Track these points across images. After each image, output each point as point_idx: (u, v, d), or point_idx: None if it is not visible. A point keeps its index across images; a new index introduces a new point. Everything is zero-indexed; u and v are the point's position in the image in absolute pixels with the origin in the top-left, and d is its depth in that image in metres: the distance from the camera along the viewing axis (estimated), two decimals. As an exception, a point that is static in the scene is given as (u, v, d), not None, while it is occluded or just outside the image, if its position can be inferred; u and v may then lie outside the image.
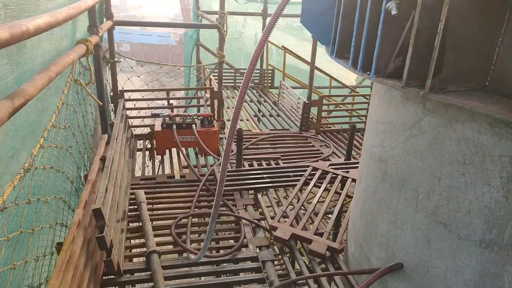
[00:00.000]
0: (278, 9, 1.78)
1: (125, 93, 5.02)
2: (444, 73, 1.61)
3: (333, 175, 4.19)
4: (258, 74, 9.06)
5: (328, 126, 6.75)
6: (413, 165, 2.18)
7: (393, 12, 1.70)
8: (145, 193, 3.71)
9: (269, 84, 8.88)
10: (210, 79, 6.38)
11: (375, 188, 2.57)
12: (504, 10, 1.61)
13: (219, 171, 4.12)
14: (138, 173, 4.75)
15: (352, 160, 4.67)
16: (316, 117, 6.22)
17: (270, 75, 8.89)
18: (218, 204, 2.09)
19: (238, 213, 3.49)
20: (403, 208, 2.25)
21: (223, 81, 8.40)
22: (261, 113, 7.28)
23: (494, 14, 1.60)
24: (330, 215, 3.88)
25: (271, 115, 7.09)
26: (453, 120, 1.84)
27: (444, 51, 1.57)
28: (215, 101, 5.56)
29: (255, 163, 4.65)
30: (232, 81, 8.73)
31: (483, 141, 1.76)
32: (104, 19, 4.71)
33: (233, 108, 7.18)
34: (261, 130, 6.18)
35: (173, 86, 7.18)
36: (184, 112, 5.37)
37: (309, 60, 6.02)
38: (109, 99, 4.95)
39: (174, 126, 4.63)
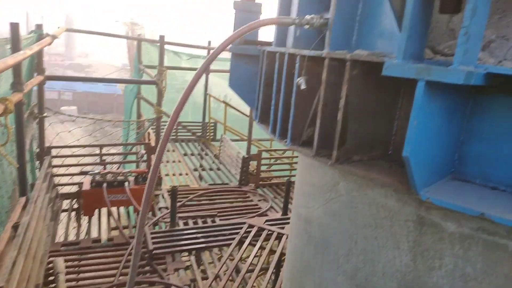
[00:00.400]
0: (202, 65, 1.83)
1: (53, 150, 4.76)
2: (348, 144, 1.71)
3: (269, 232, 4.18)
4: (201, 127, 9.12)
5: (268, 179, 6.83)
6: (333, 228, 2.23)
7: (302, 87, 1.81)
8: (67, 260, 3.41)
9: (212, 137, 8.95)
10: (149, 133, 6.29)
11: (302, 249, 2.58)
12: (399, 88, 1.79)
13: (150, 232, 3.94)
14: (62, 237, 4.39)
15: (289, 215, 4.70)
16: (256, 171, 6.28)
17: (212, 127, 8.99)
18: (133, 277, 1.96)
19: (169, 279, 3.30)
20: (327, 270, 2.27)
21: (163, 133, 8.30)
22: (202, 167, 7.22)
23: (390, 90, 1.76)
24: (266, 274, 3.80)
25: (211, 169, 7.06)
26: (364, 185, 1.93)
27: (346, 124, 1.68)
28: (152, 157, 5.44)
29: (190, 222, 4.52)
30: (174, 133, 8.68)
31: (391, 206, 1.86)
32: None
33: (173, 162, 7.07)
34: (200, 185, 6.10)
35: (111, 139, 6.97)
36: (118, 168, 5.17)
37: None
38: (35, 157, 4.66)
39: (105, 185, 4.42)
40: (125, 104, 8.30)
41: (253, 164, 6.41)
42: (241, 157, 6.21)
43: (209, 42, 8.54)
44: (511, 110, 1.42)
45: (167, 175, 6.37)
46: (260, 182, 6.29)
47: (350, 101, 1.65)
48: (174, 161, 7.03)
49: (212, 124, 8.98)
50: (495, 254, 1.59)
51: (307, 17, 1.72)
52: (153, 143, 5.52)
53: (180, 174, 6.51)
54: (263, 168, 6.60)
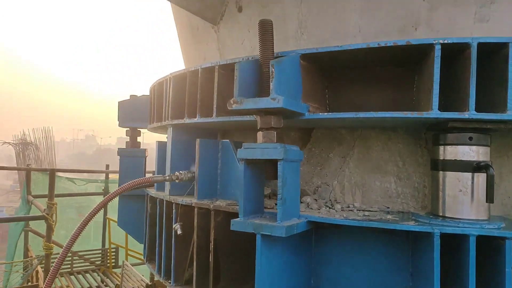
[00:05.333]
0: (85, 219, 1.91)
1: None
2: (223, 281, 1.90)
3: None
4: (100, 254, 8.46)
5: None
6: None
7: (178, 232, 2.02)
8: None
9: (113, 264, 8.31)
10: (37, 272, 5.66)
11: None
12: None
13: None
14: None
15: None
16: (161, 298, 5.92)
17: (114, 254, 8.40)
18: None
19: None
20: None
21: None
22: (100, 302, 6.55)
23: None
24: None
25: (112, 303, 6.44)
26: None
27: (218, 264, 1.89)
28: (39, 301, 4.85)
29: None
30: (69, 266, 7.86)
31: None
32: None
33: (66, 301, 6.32)
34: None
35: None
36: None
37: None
38: None
39: None
40: (9, 239, 7.45)
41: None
42: (144, 285, 5.87)
43: (107, 166, 8.51)
44: (341, 239, 1.79)
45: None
46: (167, 310, 5.90)
47: (219, 243, 1.89)
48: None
49: (113, 250, 8.43)
50: None
51: (177, 173, 2.02)
52: (42, 284, 4.97)
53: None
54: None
